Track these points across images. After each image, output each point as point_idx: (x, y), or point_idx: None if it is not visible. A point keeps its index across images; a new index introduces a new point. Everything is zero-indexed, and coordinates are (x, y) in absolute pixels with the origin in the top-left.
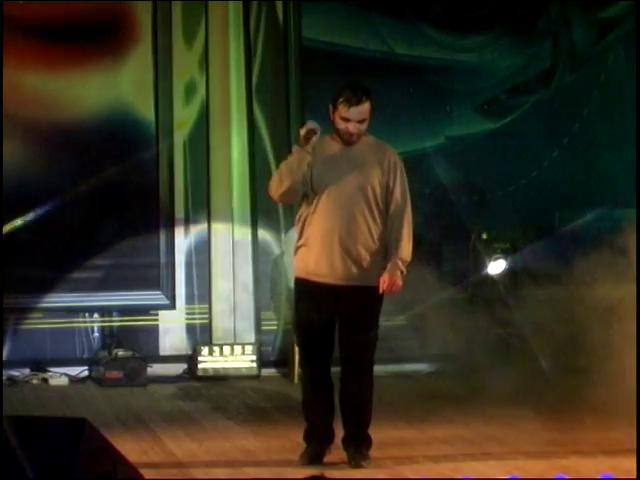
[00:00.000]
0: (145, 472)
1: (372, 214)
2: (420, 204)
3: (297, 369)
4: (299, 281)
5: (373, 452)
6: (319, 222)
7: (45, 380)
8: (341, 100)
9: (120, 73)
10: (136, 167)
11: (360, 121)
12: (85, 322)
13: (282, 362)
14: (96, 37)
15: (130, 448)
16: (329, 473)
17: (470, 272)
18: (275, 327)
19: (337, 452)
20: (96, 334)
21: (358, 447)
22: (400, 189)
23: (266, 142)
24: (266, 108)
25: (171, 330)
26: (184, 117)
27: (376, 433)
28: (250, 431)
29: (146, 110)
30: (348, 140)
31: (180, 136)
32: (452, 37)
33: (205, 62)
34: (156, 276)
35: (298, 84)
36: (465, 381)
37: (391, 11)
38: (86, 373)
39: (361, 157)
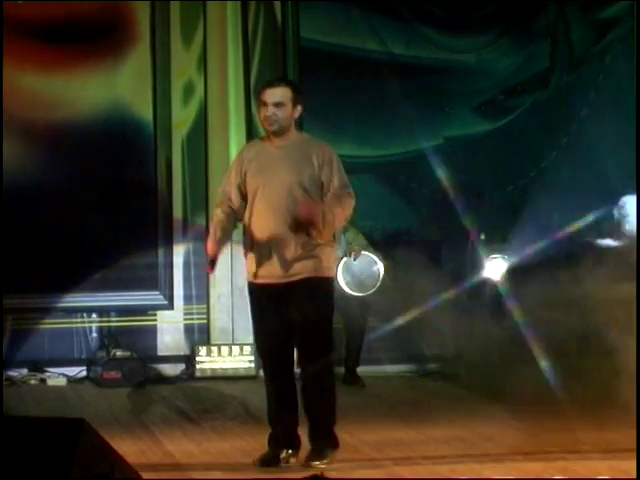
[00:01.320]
0: (143, 472)
1: None
2: (418, 205)
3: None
4: (249, 286)
5: (371, 452)
6: (255, 225)
7: (43, 380)
8: (261, 86)
9: (118, 73)
10: (134, 167)
11: (276, 104)
12: (83, 322)
13: None
14: (94, 37)
15: (128, 448)
16: (327, 473)
17: (468, 272)
18: None
19: (337, 453)
20: (94, 334)
21: (318, 445)
22: (339, 182)
23: None
24: None
25: (169, 330)
26: (182, 117)
27: (374, 433)
28: (248, 432)
29: (144, 110)
30: (268, 128)
31: (178, 136)
32: (450, 37)
33: (203, 62)
34: (154, 276)
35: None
36: (463, 381)
37: (389, 11)
38: (84, 373)
39: (291, 155)
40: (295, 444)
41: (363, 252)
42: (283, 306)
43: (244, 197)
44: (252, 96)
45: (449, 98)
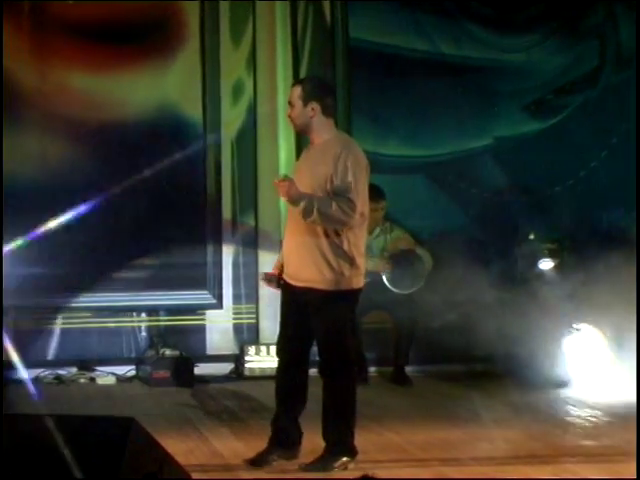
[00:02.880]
0: (191, 471)
1: None
2: (467, 204)
3: None
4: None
5: (417, 452)
6: (286, 224)
7: (92, 379)
8: None
9: (168, 73)
10: (183, 167)
11: (289, 104)
12: (132, 321)
13: None
14: (144, 37)
15: (176, 447)
16: (375, 473)
17: (518, 272)
18: None
19: (382, 453)
20: (143, 333)
21: (324, 451)
22: (340, 184)
23: None
24: None
25: (218, 330)
26: (231, 117)
27: (420, 433)
28: None
29: (194, 110)
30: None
31: (227, 136)
32: (499, 37)
33: (252, 62)
34: (203, 276)
35: (345, 84)
36: (510, 381)
37: (438, 11)
38: (133, 372)
39: (314, 156)
40: (289, 443)
41: (406, 249)
42: (301, 305)
43: None
44: None
45: (498, 98)
